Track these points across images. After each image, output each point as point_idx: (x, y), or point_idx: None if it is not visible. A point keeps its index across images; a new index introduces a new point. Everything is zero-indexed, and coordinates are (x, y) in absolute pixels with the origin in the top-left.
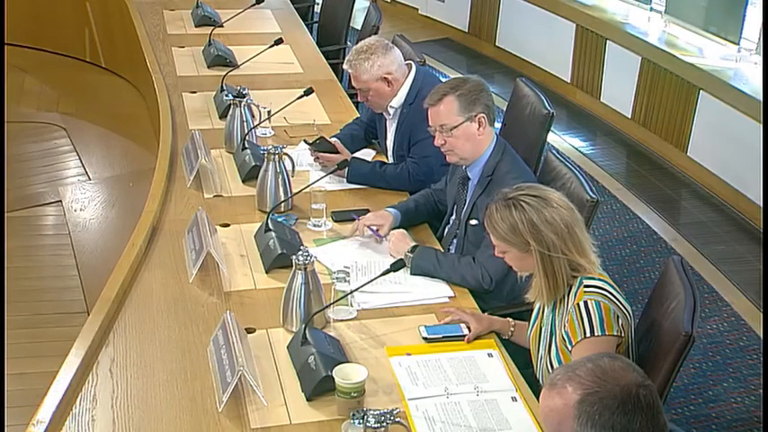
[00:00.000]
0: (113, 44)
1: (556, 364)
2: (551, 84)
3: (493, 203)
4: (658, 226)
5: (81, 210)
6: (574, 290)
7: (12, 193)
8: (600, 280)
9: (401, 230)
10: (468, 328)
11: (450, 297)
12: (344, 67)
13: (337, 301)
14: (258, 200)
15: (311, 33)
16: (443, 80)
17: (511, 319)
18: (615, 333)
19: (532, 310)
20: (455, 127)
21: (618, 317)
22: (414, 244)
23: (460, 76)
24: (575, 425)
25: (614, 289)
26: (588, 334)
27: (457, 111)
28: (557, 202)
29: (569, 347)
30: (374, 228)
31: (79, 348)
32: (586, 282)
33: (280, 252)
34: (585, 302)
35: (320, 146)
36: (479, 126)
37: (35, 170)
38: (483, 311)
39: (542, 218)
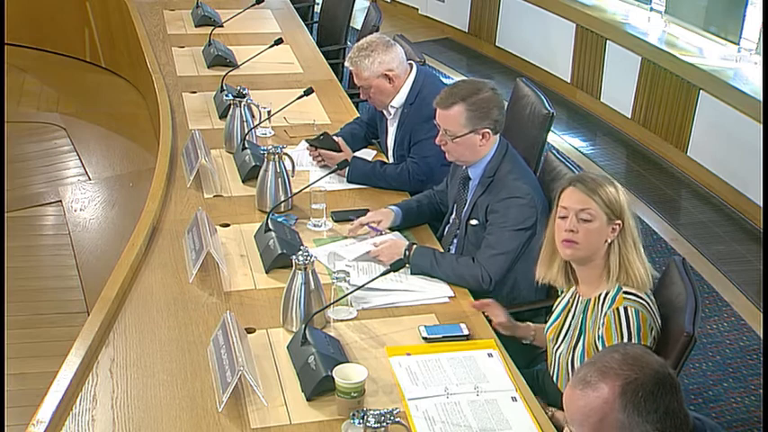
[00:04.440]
0: (113, 44)
1: (578, 363)
2: (551, 84)
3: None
4: (658, 226)
5: (81, 210)
6: (612, 293)
7: (12, 193)
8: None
9: (387, 239)
10: (469, 328)
11: (450, 297)
12: (346, 64)
13: (337, 301)
14: (258, 200)
15: (311, 33)
16: (446, 81)
17: (531, 324)
18: (648, 345)
19: (553, 307)
20: (458, 136)
21: (652, 329)
22: (408, 243)
23: (477, 80)
24: (621, 417)
25: (651, 299)
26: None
27: (464, 122)
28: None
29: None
30: (373, 224)
31: (79, 348)
32: (626, 288)
33: (280, 252)
34: (625, 309)
35: (323, 142)
36: (482, 138)
37: (35, 170)
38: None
39: (628, 204)
